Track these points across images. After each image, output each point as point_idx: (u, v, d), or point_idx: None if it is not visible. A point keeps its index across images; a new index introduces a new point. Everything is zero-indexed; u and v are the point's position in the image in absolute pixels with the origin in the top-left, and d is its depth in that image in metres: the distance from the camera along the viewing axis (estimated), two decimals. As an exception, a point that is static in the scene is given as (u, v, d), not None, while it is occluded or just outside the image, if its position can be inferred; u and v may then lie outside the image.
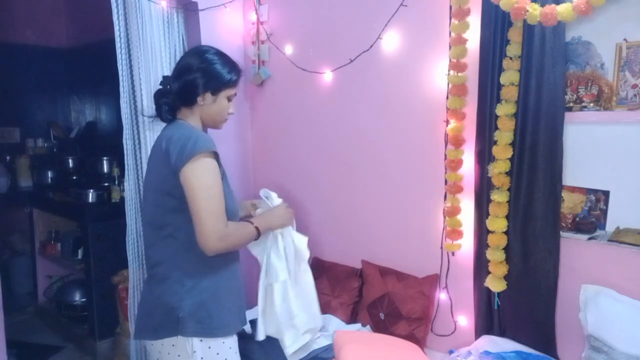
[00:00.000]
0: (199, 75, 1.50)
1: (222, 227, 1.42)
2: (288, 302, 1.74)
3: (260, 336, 1.75)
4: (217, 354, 1.49)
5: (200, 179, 1.39)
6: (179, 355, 1.46)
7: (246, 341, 2.15)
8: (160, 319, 1.48)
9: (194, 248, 1.45)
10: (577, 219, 1.81)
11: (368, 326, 2.26)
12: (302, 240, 1.78)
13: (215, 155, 1.45)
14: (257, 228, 1.58)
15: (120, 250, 2.53)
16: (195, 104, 1.53)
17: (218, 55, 1.56)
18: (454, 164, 2.02)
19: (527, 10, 1.59)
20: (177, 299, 1.46)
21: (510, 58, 1.82)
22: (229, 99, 1.57)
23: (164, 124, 1.60)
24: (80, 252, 3.40)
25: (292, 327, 1.78)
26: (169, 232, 1.49)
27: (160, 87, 1.57)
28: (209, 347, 1.47)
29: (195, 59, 1.53)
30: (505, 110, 1.83)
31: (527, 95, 1.80)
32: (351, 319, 2.35)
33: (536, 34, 1.75)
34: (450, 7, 1.97)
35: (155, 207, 1.51)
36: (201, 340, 1.46)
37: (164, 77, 1.58)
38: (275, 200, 1.79)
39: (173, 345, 1.47)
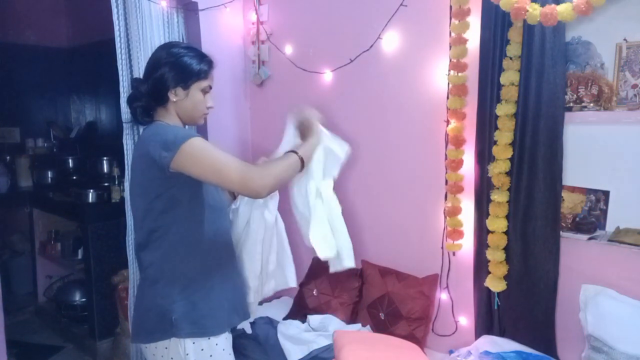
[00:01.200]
0: (167, 70, 1.44)
1: (252, 169, 1.37)
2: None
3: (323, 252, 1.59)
4: (210, 355, 1.47)
5: (198, 153, 1.35)
6: (172, 358, 1.46)
7: (246, 341, 2.16)
8: (153, 322, 1.47)
9: (185, 249, 1.44)
10: (577, 219, 1.81)
11: (368, 326, 2.26)
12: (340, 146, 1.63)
13: (200, 137, 1.40)
14: (301, 158, 1.47)
15: (120, 250, 2.54)
16: (168, 101, 1.47)
17: (186, 48, 1.50)
18: (454, 164, 2.02)
19: (527, 10, 1.59)
20: (170, 301, 1.45)
21: (510, 58, 1.82)
22: (204, 92, 1.52)
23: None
24: (80, 252, 3.40)
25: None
26: (159, 234, 1.47)
27: (132, 90, 1.53)
28: (202, 349, 1.46)
29: (162, 53, 1.48)
30: (505, 110, 1.83)
31: (527, 95, 1.80)
32: (351, 319, 2.35)
33: (536, 34, 1.75)
34: (450, 7, 1.97)
35: (145, 212, 1.48)
36: (194, 343, 1.45)
37: (134, 80, 1.54)
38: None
39: (166, 348, 1.46)
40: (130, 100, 1.51)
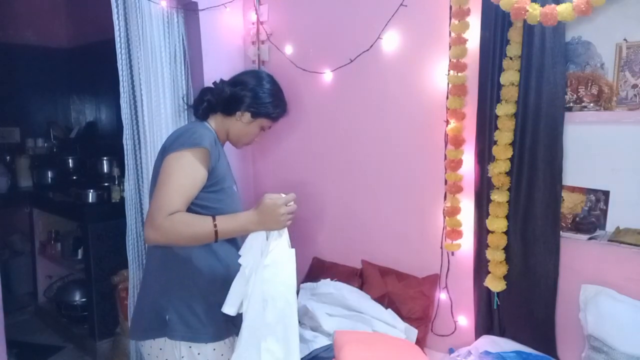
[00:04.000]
0: (249, 95, 1.57)
1: (158, 217, 1.32)
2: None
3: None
4: None
5: (169, 169, 1.38)
6: (166, 359, 1.46)
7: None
8: (148, 319, 1.48)
9: (187, 251, 1.44)
10: (577, 219, 1.81)
11: (368, 326, 2.26)
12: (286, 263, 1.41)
13: (203, 153, 1.42)
14: (215, 227, 1.36)
15: (120, 250, 2.54)
16: (232, 116, 1.58)
17: (273, 86, 1.64)
18: (454, 164, 2.02)
19: (527, 10, 1.59)
20: (166, 299, 1.45)
21: (510, 58, 1.82)
22: (262, 129, 1.65)
23: (163, 125, 1.60)
24: (80, 252, 3.40)
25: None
26: None
27: (212, 86, 1.62)
28: (198, 354, 1.44)
29: (253, 80, 1.60)
30: (505, 110, 1.83)
31: (527, 95, 1.80)
32: (351, 319, 2.35)
33: (536, 34, 1.75)
34: (450, 7, 1.97)
35: None
36: (190, 347, 1.44)
37: (222, 81, 1.64)
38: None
39: (160, 349, 1.45)
40: (205, 92, 1.61)
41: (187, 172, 1.39)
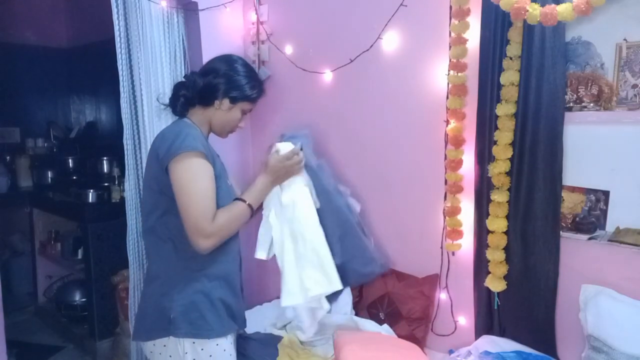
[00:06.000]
0: (223, 81, 1.53)
1: (207, 226, 1.40)
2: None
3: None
4: (210, 356, 1.46)
5: (185, 177, 1.40)
6: (170, 356, 1.46)
7: (244, 340, 2.16)
8: (152, 319, 1.48)
9: (184, 247, 1.44)
10: (577, 219, 1.81)
11: (368, 326, 2.26)
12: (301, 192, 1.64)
13: (203, 155, 1.44)
14: (249, 205, 1.52)
15: (120, 250, 2.54)
16: (211, 106, 1.56)
17: (246, 67, 1.60)
18: (454, 164, 2.02)
19: (527, 10, 1.58)
20: (168, 299, 1.46)
21: (510, 58, 1.82)
22: (243, 112, 1.61)
23: (163, 125, 1.60)
24: (80, 252, 3.40)
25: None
26: (161, 231, 1.49)
27: (184, 80, 1.60)
28: (202, 349, 1.45)
29: (224, 65, 1.57)
30: (505, 110, 1.83)
31: (527, 95, 1.80)
32: (351, 319, 2.35)
33: (536, 34, 1.75)
34: (450, 7, 1.97)
35: (151, 207, 1.52)
36: (194, 342, 1.44)
37: (192, 73, 1.62)
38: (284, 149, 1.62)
39: (164, 346, 1.46)
40: (179, 87, 1.59)
41: (202, 174, 1.42)
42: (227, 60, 1.60)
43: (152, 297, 1.50)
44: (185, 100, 1.56)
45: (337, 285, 1.61)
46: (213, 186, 1.45)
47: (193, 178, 1.40)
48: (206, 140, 1.55)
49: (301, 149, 1.64)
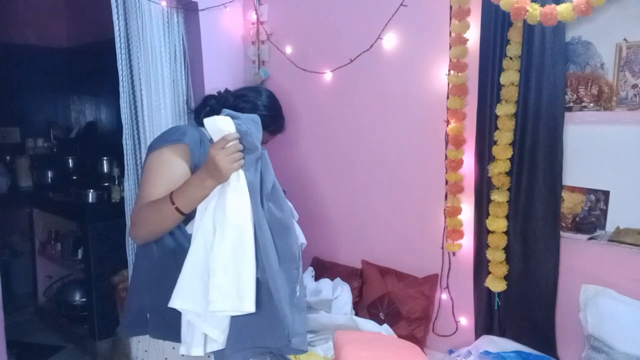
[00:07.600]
0: (248, 107, 1.60)
1: (134, 213, 1.35)
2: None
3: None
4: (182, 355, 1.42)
5: (149, 167, 1.39)
6: (159, 350, 1.44)
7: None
8: (132, 315, 1.48)
9: (162, 251, 1.42)
10: (577, 219, 1.81)
11: (368, 326, 2.26)
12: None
13: (185, 148, 1.39)
14: (170, 197, 1.28)
15: (120, 250, 2.54)
16: None
17: (271, 100, 1.68)
18: (454, 164, 2.03)
19: (527, 10, 1.59)
20: (148, 298, 1.44)
21: (510, 58, 1.82)
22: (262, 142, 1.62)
23: (163, 125, 1.60)
24: (80, 252, 3.39)
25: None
26: None
27: (216, 94, 1.65)
28: (182, 355, 1.40)
29: (252, 94, 1.66)
30: (505, 110, 1.83)
31: (527, 95, 1.80)
32: (351, 319, 2.35)
33: (536, 34, 1.75)
34: (450, 7, 1.97)
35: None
36: (173, 348, 1.42)
37: (225, 90, 1.67)
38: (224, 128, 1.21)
39: (146, 351, 1.46)
40: (210, 97, 1.64)
41: (165, 167, 1.38)
42: (257, 90, 1.70)
43: (134, 294, 1.50)
44: (211, 110, 1.59)
45: (250, 307, 1.21)
46: (171, 180, 1.34)
47: (153, 169, 1.38)
48: (201, 144, 1.47)
49: (244, 136, 1.23)
